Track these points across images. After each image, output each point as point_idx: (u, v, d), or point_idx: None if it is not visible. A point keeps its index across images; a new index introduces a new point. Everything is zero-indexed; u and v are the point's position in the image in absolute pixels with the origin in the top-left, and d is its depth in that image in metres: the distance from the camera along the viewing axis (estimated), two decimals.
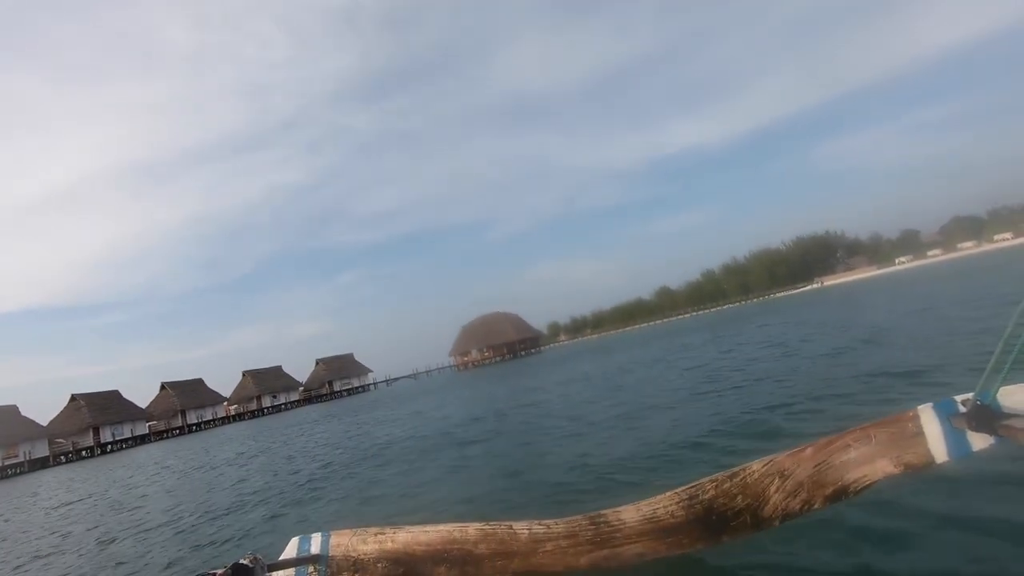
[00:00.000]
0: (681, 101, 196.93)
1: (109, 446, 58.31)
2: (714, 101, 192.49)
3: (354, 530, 3.11)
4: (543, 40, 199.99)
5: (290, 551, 3.07)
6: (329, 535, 3.10)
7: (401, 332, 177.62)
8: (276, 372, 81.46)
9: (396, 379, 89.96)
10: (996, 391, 1.85)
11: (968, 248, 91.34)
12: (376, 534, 3.01)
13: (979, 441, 1.90)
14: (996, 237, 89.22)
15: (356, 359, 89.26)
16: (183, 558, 5.03)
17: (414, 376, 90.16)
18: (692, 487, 2.42)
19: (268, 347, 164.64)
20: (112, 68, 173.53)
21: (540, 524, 2.67)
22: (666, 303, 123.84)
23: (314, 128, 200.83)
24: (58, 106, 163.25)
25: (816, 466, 2.19)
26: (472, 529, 2.81)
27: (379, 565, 2.89)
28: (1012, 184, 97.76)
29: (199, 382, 74.64)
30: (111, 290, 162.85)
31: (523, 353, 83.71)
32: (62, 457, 55.08)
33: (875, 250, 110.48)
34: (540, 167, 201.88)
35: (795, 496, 2.22)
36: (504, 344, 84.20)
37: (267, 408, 74.38)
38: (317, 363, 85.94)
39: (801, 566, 2.49)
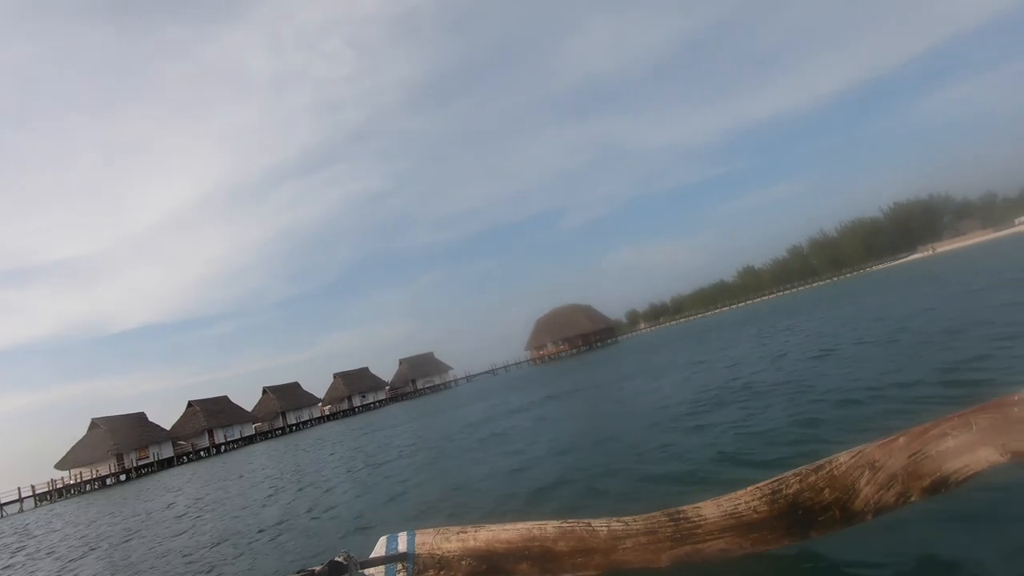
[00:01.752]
0: (759, 66, 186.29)
1: (223, 446, 63.85)
2: (798, 61, 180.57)
3: (437, 529, 3.26)
4: (608, 20, 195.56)
5: (379, 549, 3.25)
6: (414, 534, 3.26)
7: (478, 329, 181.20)
8: (363, 373, 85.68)
9: (475, 375, 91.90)
10: None
11: None
12: (458, 533, 3.13)
13: None
14: None
15: (436, 357, 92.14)
16: None
17: (492, 372, 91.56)
18: (775, 481, 2.36)
19: (354, 349, 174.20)
20: (206, 100, 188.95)
21: (618, 521, 2.69)
22: (750, 284, 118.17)
23: (385, 136, 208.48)
24: (163, 139, 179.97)
25: (911, 456, 2.05)
26: (551, 527, 2.86)
27: (463, 562, 3.01)
28: None
29: (296, 385, 79.92)
30: (215, 305, 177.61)
31: (598, 344, 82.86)
32: (184, 457, 60.95)
33: (989, 211, 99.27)
34: (612, 151, 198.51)
35: (888, 488, 2.10)
36: (579, 336, 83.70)
37: (357, 407, 78.41)
38: (400, 363, 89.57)
39: (901, 563, 2.34)
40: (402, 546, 3.23)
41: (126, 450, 57.39)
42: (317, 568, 2.62)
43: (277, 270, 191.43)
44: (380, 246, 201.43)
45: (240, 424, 69.03)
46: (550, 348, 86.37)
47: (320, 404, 79.81)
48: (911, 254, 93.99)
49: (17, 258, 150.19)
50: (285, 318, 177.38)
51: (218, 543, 6.73)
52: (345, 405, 79.28)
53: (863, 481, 2.15)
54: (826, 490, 2.22)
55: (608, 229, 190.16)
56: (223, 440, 65.24)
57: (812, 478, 2.26)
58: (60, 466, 56.29)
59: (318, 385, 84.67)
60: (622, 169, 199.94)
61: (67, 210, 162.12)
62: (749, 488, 2.41)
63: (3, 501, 46.28)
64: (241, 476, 17.02)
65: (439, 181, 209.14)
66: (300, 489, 9.93)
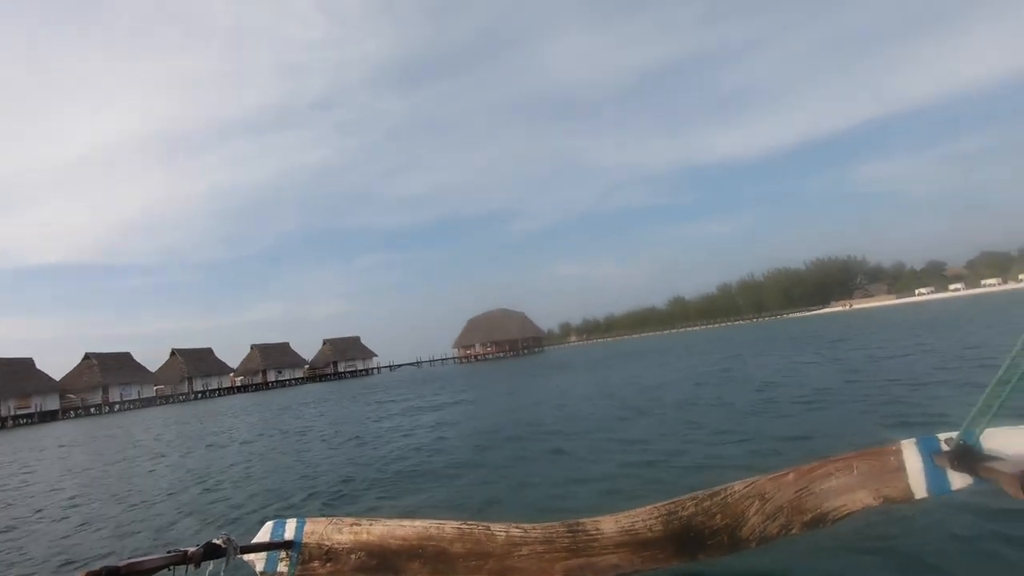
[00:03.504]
0: (720, 109, 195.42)
1: (117, 405, 60.10)
2: (754, 112, 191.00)
3: (330, 518, 3.12)
4: (586, 36, 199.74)
5: (263, 535, 3.11)
6: (304, 521, 3.13)
7: (409, 319, 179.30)
8: (283, 348, 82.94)
9: (399, 365, 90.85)
10: (980, 432, 1.86)
11: (992, 285, 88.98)
12: (352, 524, 3.02)
13: (959, 480, 1.90)
14: (1022, 276, 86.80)
15: (362, 342, 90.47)
16: None
17: (417, 364, 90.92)
18: (672, 503, 2.42)
19: (278, 323, 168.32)
20: (158, 37, 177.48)
21: (517, 527, 2.67)
22: (678, 313, 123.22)
23: (346, 110, 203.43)
24: (103, 72, 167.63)
25: (797, 492, 2.18)
26: (449, 527, 2.79)
27: (352, 556, 2.92)
28: None
29: (208, 351, 76.36)
30: (134, 254, 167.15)
31: (525, 352, 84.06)
32: (71, 412, 56.92)
33: (896, 278, 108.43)
34: (571, 163, 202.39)
35: (774, 520, 2.21)
36: (508, 341, 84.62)
37: (272, 382, 75.79)
38: (324, 343, 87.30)
39: None
40: (289, 533, 3.10)
41: (4, 396, 53.05)
42: (191, 549, 2.47)
43: (209, 229, 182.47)
44: (323, 221, 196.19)
45: (140, 384, 65.22)
46: (478, 349, 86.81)
47: (232, 374, 76.67)
48: (825, 307, 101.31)
49: None
50: (209, 279, 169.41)
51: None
52: (259, 379, 76.43)
53: (752, 510, 2.25)
54: (718, 515, 2.30)
55: (556, 239, 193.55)
56: (119, 399, 61.42)
57: (707, 503, 2.35)
58: None
59: (234, 355, 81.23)
60: (578, 183, 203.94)
61: None
62: (648, 507, 2.45)
63: None
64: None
65: (395, 164, 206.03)
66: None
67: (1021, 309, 24.02)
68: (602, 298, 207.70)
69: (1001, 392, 1.73)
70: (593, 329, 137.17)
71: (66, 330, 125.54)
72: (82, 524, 5.89)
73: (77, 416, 54.62)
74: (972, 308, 30.92)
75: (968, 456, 1.86)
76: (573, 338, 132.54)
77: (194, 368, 71.36)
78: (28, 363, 58.82)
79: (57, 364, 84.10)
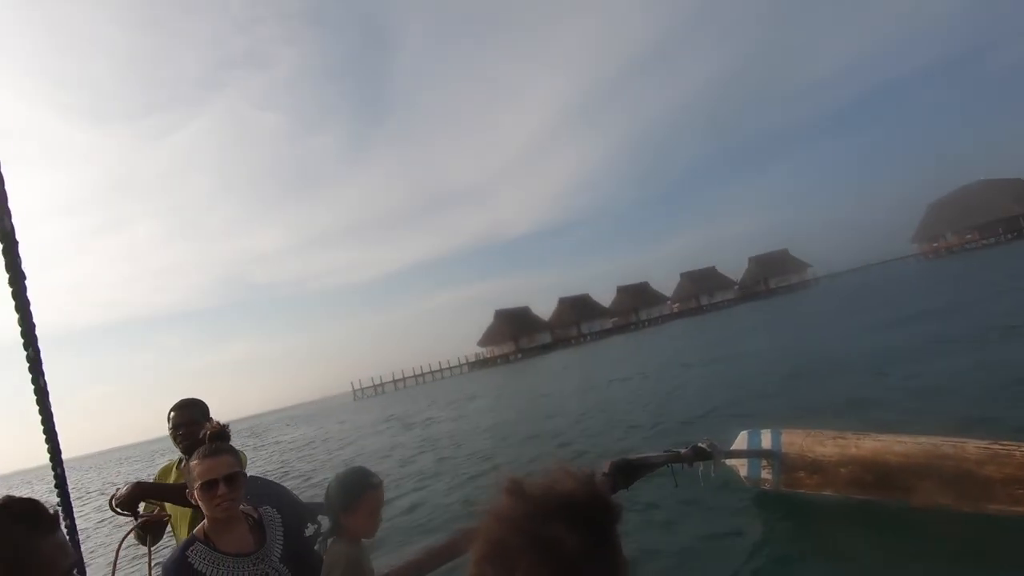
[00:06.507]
0: None
1: (586, 337, 74.34)
2: None
3: (807, 431, 3.12)
4: None
5: (740, 443, 3.32)
6: (780, 433, 3.20)
7: (840, 218, 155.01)
8: (710, 273, 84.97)
9: (840, 273, 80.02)
10: None
11: None
12: (835, 438, 2.95)
13: None
14: None
15: (791, 254, 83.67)
16: None
17: (865, 269, 77.96)
18: None
19: (699, 248, 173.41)
20: (551, 30, 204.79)
21: None
22: None
23: (725, 8, 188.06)
24: (516, 73, 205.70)
25: None
26: (972, 446, 2.38)
27: (842, 469, 2.83)
28: None
29: (645, 284, 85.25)
30: (574, 212, 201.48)
31: None
32: (559, 344, 73.59)
33: None
34: None
35: None
36: (998, 222, 62.32)
37: (705, 306, 79.03)
38: (749, 261, 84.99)
39: None
40: (765, 443, 3.19)
41: (518, 336, 72.93)
42: (684, 451, 2.81)
43: (623, 176, 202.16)
44: (723, 135, 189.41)
45: (600, 319, 78.68)
46: (950, 239, 67.54)
47: (669, 303, 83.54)
48: None
49: (437, 189, 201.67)
50: (633, 220, 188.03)
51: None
52: (693, 304, 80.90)
53: None
54: None
55: None
56: (586, 332, 75.84)
57: None
58: (480, 343, 75.78)
59: (665, 284, 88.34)
60: None
61: (462, 145, 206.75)
62: None
63: (452, 366, 69.25)
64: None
65: (794, 47, 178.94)
66: None
67: None
68: None
69: None
70: None
71: (535, 281, 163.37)
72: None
73: (563, 347, 70.05)
74: None
75: None
76: None
77: (637, 301, 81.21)
78: (526, 310, 78.93)
79: (539, 308, 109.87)
